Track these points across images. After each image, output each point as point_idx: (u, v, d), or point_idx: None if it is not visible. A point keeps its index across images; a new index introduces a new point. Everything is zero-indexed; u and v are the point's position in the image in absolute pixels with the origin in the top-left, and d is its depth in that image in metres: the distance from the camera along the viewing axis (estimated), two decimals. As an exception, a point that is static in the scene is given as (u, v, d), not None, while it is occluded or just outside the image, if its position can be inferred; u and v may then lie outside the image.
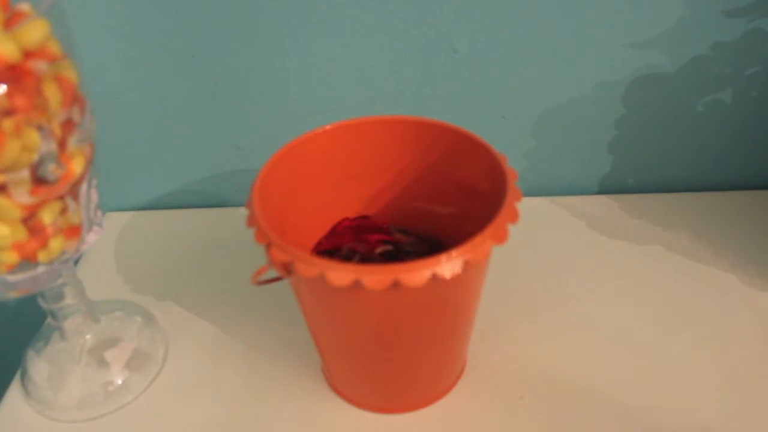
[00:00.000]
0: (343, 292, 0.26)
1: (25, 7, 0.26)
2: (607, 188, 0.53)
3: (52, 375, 0.37)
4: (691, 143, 0.51)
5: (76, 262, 0.47)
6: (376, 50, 0.45)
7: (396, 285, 0.25)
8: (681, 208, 0.50)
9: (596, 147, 0.51)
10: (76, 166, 0.28)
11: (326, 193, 0.37)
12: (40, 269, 0.30)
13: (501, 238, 0.27)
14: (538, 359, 0.38)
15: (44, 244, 0.29)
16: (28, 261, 0.29)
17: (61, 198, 0.29)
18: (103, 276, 0.46)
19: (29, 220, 0.28)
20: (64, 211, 0.30)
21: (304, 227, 0.37)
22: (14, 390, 0.38)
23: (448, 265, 0.26)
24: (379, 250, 0.36)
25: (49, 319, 0.37)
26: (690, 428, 0.34)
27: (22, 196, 0.26)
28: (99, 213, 0.33)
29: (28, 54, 0.25)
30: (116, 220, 0.52)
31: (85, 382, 0.37)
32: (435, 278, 0.25)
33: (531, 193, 0.53)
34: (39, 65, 0.25)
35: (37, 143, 0.26)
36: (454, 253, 0.26)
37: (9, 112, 0.24)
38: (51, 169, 0.27)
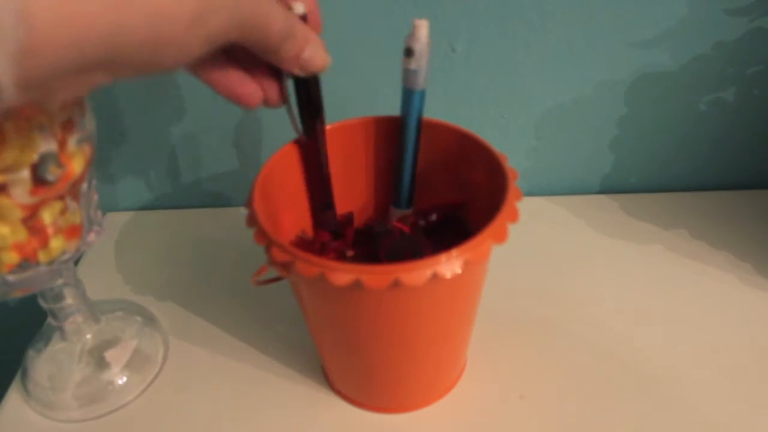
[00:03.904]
0: (343, 292, 0.26)
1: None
2: (608, 188, 0.53)
3: (52, 375, 0.37)
4: (693, 142, 0.50)
5: (76, 262, 0.47)
6: (376, 50, 0.45)
7: (396, 285, 0.25)
8: (681, 207, 0.50)
9: (597, 146, 0.51)
10: (76, 166, 0.28)
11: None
12: (41, 269, 0.30)
13: (501, 237, 0.27)
14: (538, 359, 0.38)
15: (44, 244, 0.29)
16: (28, 261, 0.29)
17: (61, 198, 0.29)
18: (103, 276, 0.46)
19: (29, 220, 0.28)
20: (64, 211, 0.30)
21: (305, 227, 0.37)
22: (14, 390, 0.38)
23: (448, 265, 0.25)
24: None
25: (49, 319, 0.37)
26: (690, 427, 0.34)
27: (23, 196, 0.26)
28: (99, 213, 0.33)
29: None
30: (116, 220, 0.52)
31: (85, 382, 0.37)
32: (435, 278, 0.25)
33: (531, 192, 0.53)
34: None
35: (37, 143, 0.26)
36: (454, 252, 0.26)
37: (9, 112, 0.24)
38: (51, 169, 0.27)
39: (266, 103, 0.28)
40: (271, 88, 0.28)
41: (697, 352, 0.38)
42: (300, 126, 0.33)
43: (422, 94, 0.33)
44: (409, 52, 0.31)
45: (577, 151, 0.51)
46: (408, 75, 0.32)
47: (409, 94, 0.33)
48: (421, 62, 0.31)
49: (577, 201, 0.52)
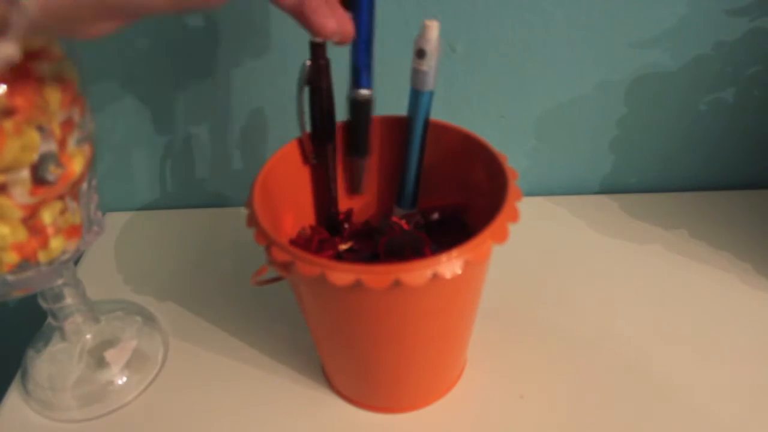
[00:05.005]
0: (343, 291, 0.26)
1: (24, 6, 0.26)
2: (608, 188, 0.53)
3: (52, 375, 0.37)
4: (693, 142, 0.50)
5: (76, 262, 0.47)
6: (376, 50, 0.45)
7: (396, 284, 0.25)
8: (681, 207, 0.50)
9: (597, 146, 0.51)
10: (76, 166, 0.28)
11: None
12: (41, 269, 0.30)
13: (501, 237, 0.27)
14: (538, 359, 0.38)
15: (44, 244, 0.29)
16: (28, 261, 0.29)
17: (61, 198, 0.29)
18: (103, 276, 0.46)
19: (29, 220, 0.28)
20: (64, 211, 0.30)
21: (305, 227, 0.37)
22: (14, 390, 0.38)
23: (448, 265, 0.25)
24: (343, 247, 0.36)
25: (49, 319, 0.37)
26: (690, 426, 0.34)
27: (23, 196, 0.26)
28: (99, 213, 0.33)
29: (28, 54, 0.25)
30: (116, 220, 0.52)
31: (85, 382, 0.37)
32: (435, 278, 0.25)
33: (531, 192, 0.53)
34: (39, 65, 0.25)
35: (37, 143, 0.26)
36: (454, 252, 0.26)
37: (9, 112, 0.24)
38: (51, 169, 0.27)
39: (341, 39, 0.28)
40: (346, 23, 0.28)
41: (697, 352, 0.38)
42: (306, 125, 0.33)
43: (430, 94, 0.33)
44: (420, 54, 0.31)
45: (577, 151, 0.51)
46: (418, 76, 0.32)
47: (417, 95, 0.33)
48: (431, 63, 0.31)
49: (577, 201, 0.52)
